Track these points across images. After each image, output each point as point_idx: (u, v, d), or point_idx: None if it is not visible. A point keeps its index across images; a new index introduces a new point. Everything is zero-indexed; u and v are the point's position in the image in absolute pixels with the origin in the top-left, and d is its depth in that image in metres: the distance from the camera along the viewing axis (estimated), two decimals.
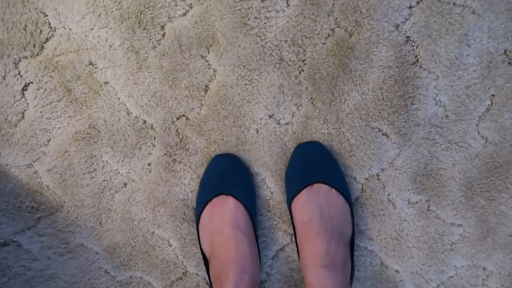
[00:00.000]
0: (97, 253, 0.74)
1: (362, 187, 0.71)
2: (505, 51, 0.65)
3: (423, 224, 0.72)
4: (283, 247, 0.74)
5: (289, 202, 0.68)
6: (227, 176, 0.69)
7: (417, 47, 0.65)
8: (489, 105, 0.67)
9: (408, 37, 0.65)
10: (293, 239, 0.73)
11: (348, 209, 0.68)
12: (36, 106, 0.68)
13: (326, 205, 0.66)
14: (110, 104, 0.68)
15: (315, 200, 0.66)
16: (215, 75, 0.67)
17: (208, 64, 0.67)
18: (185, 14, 0.65)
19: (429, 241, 0.73)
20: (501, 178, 0.70)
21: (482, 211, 0.72)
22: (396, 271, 0.74)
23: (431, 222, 0.72)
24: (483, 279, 0.74)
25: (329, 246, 0.64)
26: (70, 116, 0.68)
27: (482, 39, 0.65)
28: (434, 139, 0.69)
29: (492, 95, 0.67)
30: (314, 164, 0.67)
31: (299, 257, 0.69)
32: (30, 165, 0.70)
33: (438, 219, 0.72)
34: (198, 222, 0.70)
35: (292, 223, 0.69)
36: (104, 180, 0.71)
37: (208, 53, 0.66)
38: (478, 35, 0.65)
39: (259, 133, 0.69)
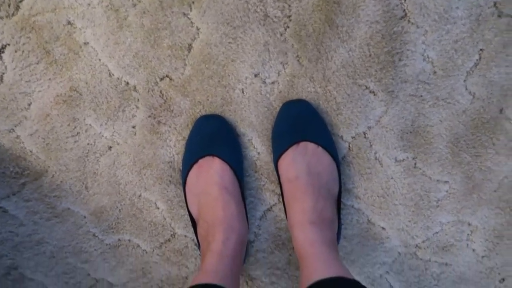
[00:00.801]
0: (84, 217, 0.73)
1: (349, 146, 0.70)
2: (495, 4, 0.63)
3: (410, 182, 0.72)
4: (271, 207, 0.73)
5: (276, 160, 0.67)
6: (213, 137, 0.67)
7: (405, 0, 0.63)
8: (477, 60, 0.66)
9: None
10: (281, 199, 0.72)
11: (335, 167, 0.67)
12: (14, 69, 0.65)
13: (313, 163, 0.65)
14: (91, 65, 0.65)
15: (302, 158, 0.65)
16: (198, 33, 0.64)
17: (191, 22, 0.64)
18: None
19: (415, 198, 0.73)
20: (487, 134, 0.69)
21: (468, 168, 0.71)
22: (383, 228, 0.74)
23: (417, 179, 0.71)
24: (468, 234, 0.75)
25: (316, 203, 0.63)
26: (50, 79, 0.66)
27: None
28: (422, 95, 0.67)
29: (481, 49, 0.65)
30: (300, 123, 0.66)
31: (286, 217, 0.69)
32: (11, 130, 0.67)
33: (424, 176, 0.71)
34: (185, 184, 0.68)
35: (279, 182, 0.68)
36: (88, 144, 0.69)
37: (191, 11, 0.63)
38: None
39: (245, 93, 0.67)
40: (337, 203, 0.68)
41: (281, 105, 0.68)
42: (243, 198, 0.69)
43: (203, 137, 0.68)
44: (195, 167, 0.68)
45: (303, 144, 0.66)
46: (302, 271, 0.60)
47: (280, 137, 0.67)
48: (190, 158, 0.68)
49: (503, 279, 0.78)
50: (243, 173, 0.71)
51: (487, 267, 0.77)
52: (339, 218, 0.69)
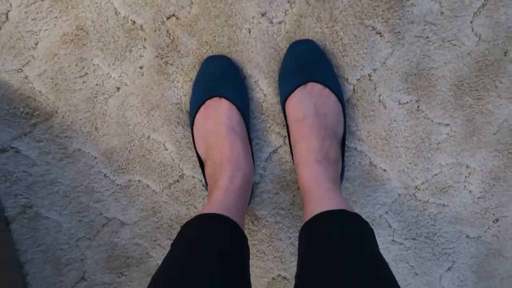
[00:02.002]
0: (95, 157, 0.71)
1: (354, 88, 0.67)
2: None
3: (412, 124, 0.70)
4: (276, 149, 0.71)
5: (283, 101, 0.64)
6: (220, 78, 0.65)
7: None
8: (485, 0, 0.62)
9: None
10: (286, 141, 0.71)
11: (341, 108, 0.65)
12: (19, 6, 0.61)
13: (320, 104, 0.63)
14: (96, 3, 0.62)
15: (309, 98, 0.63)
16: None
17: None
18: None
19: (417, 141, 0.71)
20: (490, 77, 0.67)
21: (470, 110, 0.69)
22: (384, 170, 0.73)
23: (419, 122, 0.70)
24: (466, 176, 0.74)
25: (322, 143, 0.62)
26: (56, 17, 0.62)
27: None
28: (428, 37, 0.64)
29: None
30: (308, 63, 0.63)
31: (292, 157, 0.67)
32: (20, 70, 0.65)
33: (426, 119, 0.70)
34: (193, 125, 0.66)
35: (286, 122, 0.66)
36: (96, 84, 0.67)
37: None
38: None
39: (252, 33, 0.64)
40: (342, 145, 0.67)
41: (287, 46, 0.65)
42: (249, 140, 0.68)
43: (210, 78, 0.65)
44: (202, 108, 0.66)
45: (310, 84, 0.63)
46: (307, 206, 0.59)
47: (287, 78, 0.64)
48: (198, 99, 0.66)
49: (497, 220, 0.78)
50: (249, 115, 0.69)
51: (482, 208, 0.77)
52: (342, 159, 0.68)
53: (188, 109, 0.69)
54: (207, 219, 0.55)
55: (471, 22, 0.63)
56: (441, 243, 0.79)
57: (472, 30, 0.64)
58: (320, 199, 0.57)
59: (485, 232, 0.78)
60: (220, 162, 0.64)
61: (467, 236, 0.79)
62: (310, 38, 0.64)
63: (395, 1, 0.62)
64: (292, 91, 0.63)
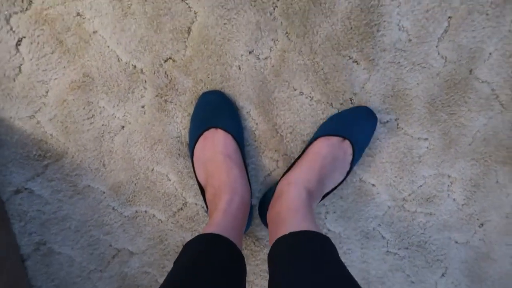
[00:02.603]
0: (104, 192, 0.76)
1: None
2: None
3: (394, 141, 0.75)
4: (270, 173, 0.76)
5: (320, 135, 0.71)
6: (215, 110, 0.70)
7: None
8: (446, 26, 0.69)
9: None
10: (279, 165, 0.75)
11: (346, 172, 0.71)
12: (31, 59, 0.67)
13: (340, 159, 0.70)
14: (100, 52, 0.68)
15: (338, 149, 0.70)
16: (196, 17, 0.67)
17: (189, 6, 0.66)
18: None
19: (400, 156, 0.76)
20: (460, 93, 0.73)
21: (445, 125, 0.75)
22: (373, 185, 0.78)
23: (400, 138, 0.75)
24: (448, 185, 0.79)
25: (320, 183, 0.68)
26: (64, 67, 0.68)
27: None
28: (399, 62, 0.71)
29: (449, 17, 0.68)
30: (358, 125, 0.71)
31: (283, 175, 0.72)
32: (32, 116, 0.70)
33: (406, 135, 0.75)
34: (193, 155, 0.71)
35: (305, 148, 0.72)
36: (103, 125, 0.72)
37: None
38: None
39: (241, 69, 0.70)
40: (324, 195, 0.72)
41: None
42: (245, 165, 0.72)
43: (207, 111, 0.71)
44: (201, 139, 0.71)
45: (347, 142, 0.70)
46: (285, 221, 0.62)
47: (337, 123, 0.71)
48: (196, 131, 0.71)
49: (482, 224, 0.82)
50: (244, 143, 0.74)
51: (467, 214, 0.81)
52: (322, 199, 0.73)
53: (188, 141, 0.74)
54: (207, 238, 0.59)
55: (436, 46, 0.70)
56: (432, 251, 0.82)
57: (439, 53, 0.70)
58: (302, 219, 0.61)
59: (472, 237, 0.82)
60: (218, 187, 0.68)
61: (456, 242, 0.82)
62: (294, 70, 0.70)
63: (367, 33, 0.68)
64: (332, 135, 0.69)
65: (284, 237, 0.56)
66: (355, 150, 0.70)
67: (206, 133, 0.70)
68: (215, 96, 0.71)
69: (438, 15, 0.68)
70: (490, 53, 0.71)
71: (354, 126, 0.70)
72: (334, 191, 0.77)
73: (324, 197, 0.71)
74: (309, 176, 0.67)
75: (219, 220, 0.63)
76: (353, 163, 0.70)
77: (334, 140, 0.69)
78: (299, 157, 0.72)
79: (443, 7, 0.68)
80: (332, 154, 0.69)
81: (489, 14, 0.68)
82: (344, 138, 0.69)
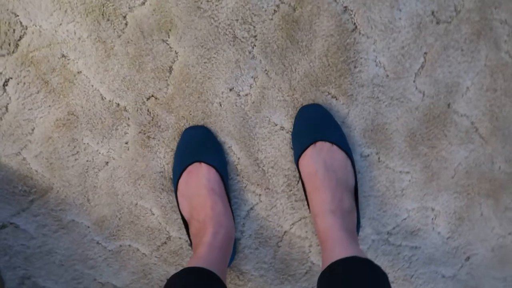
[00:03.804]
0: (88, 227, 0.75)
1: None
2: (433, 12, 0.67)
3: (375, 174, 0.74)
4: (253, 207, 0.75)
5: (297, 159, 0.70)
6: (199, 145, 0.70)
7: (354, 15, 0.67)
8: (423, 62, 0.69)
9: (345, 7, 0.66)
10: (262, 199, 0.75)
11: (349, 163, 0.70)
12: (17, 99, 0.68)
13: (329, 159, 0.68)
14: (84, 91, 0.69)
15: (319, 155, 0.68)
16: (177, 56, 0.68)
17: (170, 47, 0.67)
18: (143, 3, 0.65)
19: (382, 189, 0.75)
20: (439, 127, 0.72)
21: (426, 158, 0.74)
22: None
23: (382, 172, 0.74)
24: (432, 218, 0.77)
25: (335, 193, 0.66)
26: (49, 106, 0.69)
27: (411, 2, 0.66)
28: (378, 97, 0.70)
29: (425, 53, 0.69)
30: (316, 124, 0.69)
31: (309, 208, 0.71)
32: (18, 153, 0.71)
33: (388, 168, 0.74)
34: (176, 189, 0.71)
35: (300, 178, 0.71)
36: (87, 161, 0.72)
37: (169, 37, 0.67)
38: (407, 0, 0.66)
39: (222, 105, 0.71)
40: (355, 196, 0.71)
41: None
42: (229, 199, 0.72)
43: (190, 146, 0.71)
44: (184, 173, 0.70)
45: (319, 143, 0.69)
46: (323, 254, 0.63)
47: (299, 138, 0.70)
48: (180, 166, 0.71)
49: (468, 258, 0.80)
50: (227, 176, 0.74)
51: (452, 247, 0.79)
52: (357, 209, 0.71)
53: (171, 176, 0.73)
54: (191, 272, 0.58)
55: (414, 81, 0.70)
56: (419, 285, 0.80)
57: (416, 88, 0.70)
58: (335, 247, 0.60)
59: (459, 271, 0.80)
60: (203, 220, 0.68)
61: (443, 276, 0.80)
62: (274, 106, 0.70)
63: (344, 69, 0.69)
64: (304, 150, 0.69)
65: (321, 275, 0.57)
66: (331, 139, 0.68)
67: (190, 168, 0.70)
68: (199, 131, 0.71)
69: (414, 51, 0.68)
70: (468, 87, 0.70)
71: (310, 126, 0.69)
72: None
73: (356, 196, 0.70)
74: (321, 198, 0.66)
75: (204, 254, 0.63)
76: (343, 146, 0.69)
77: (309, 152, 0.69)
78: (304, 188, 0.71)
79: (418, 43, 0.68)
80: (319, 164, 0.68)
81: (464, 50, 0.68)
82: (313, 142, 0.68)
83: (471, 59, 0.69)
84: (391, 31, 0.67)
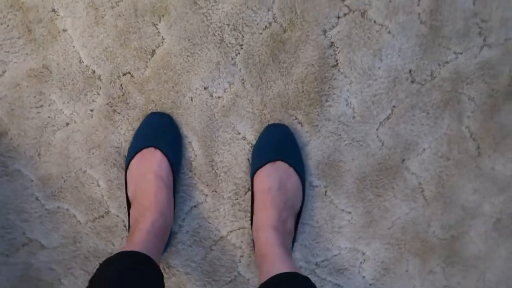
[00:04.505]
0: (32, 180, 0.75)
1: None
2: (410, 71, 0.70)
3: (318, 206, 0.76)
4: (197, 205, 0.76)
5: (254, 172, 0.71)
6: (159, 132, 0.71)
7: (338, 52, 0.69)
8: (389, 114, 0.72)
9: (332, 42, 0.69)
10: (207, 199, 0.76)
11: (301, 188, 0.72)
12: None
13: (284, 180, 0.70)
14: (65, 50, 0.69)
15: (276, 174, 0.70)
16: (162, 42, 0.69)
17: (158, 31, 0.69)
18: None
19: (321, 221, 0.77)
20: (389, 178, 0.75)
21: (369, 204, 0.76)
22: None
23: (325, 205, 0.76)
24: (361, 262, 0.79)
25: (281, 213, 0.69)
26: (27, 54, 0.69)
27: (392, 56, 0.69)
28: (340, 134, 0.73)
29: (394, 106, 0.71)
30: (280, 144, 0.71)
31: (251, 223, 0.73)
32: None
33: (332, 204, 0.76)
34: (127, 168, 0.72)
35: (252, 190, 0.72)
36: (48, 117, 0.72)
37: (160, 22, 0.68)
38: (389, 53, 0.69)
39: (193, 101, 0.72)
40: (297, 218, 0.73)
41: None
42: (175, 191, 0.73)
43: (151, 130, 0.71)
44: (138, 154, 0.71)
45: (278, 162, 0.71)
46: (262, 267, 0.64)
47: (260, 153, 0.72)
48: (136, 146, 0.72)
49: None
50: (179, 169, 0.75)
51: None
52: (295, 231, 0.73)
53: (126, 154, 0.74)
54: (129, 256, 0.58)
55: (377, 129, 0.73)
56: None
57: (377, 136, 0.73)
58: (275, 262, 0.62)
59: None
60: (145, 205, 0.68)
61: None
62: (242, 115, 0.72)
63: (316, 100, 0.71)
64: (263, 165, 0.70)
65: (262, 285, 0.57)
66: (290, 162, 0.70)
67: (145, 151, 0.71)
68: (163, 118, 0.72)
69: (384, 102, 0.71)
70: (424, 149, 0.73)
71: (274, 145, 0.71)
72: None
73: (298, 217, 0.72)
74: (268, 215, 0.68)
75: (142, 240, 0.63)
76: (300, 171, 0.71)
77: (267, 168, 0.70)
78: (252, 200, 0.73)
79: (390, 96, 0.71)
80: (274, 182, 0.69)
81: (429, 114, 0.72)
82: (273, 161, 0.70)
83: (434, 124, 0.72)
84: (368, 77, 0.70)
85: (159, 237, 0.66)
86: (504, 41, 0.67)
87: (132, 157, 0.71)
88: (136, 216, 0.69)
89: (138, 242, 0.62)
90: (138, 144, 0.72)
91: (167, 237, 0.71)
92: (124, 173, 0.73)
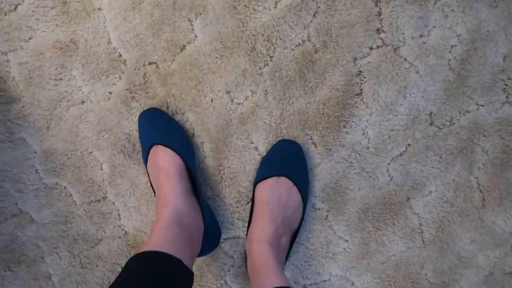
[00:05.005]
0: (35, 151, 0.73)
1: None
2: (431, 113, 0.71)
3: (317, 229, 0.76)
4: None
5: (256, 182, 0.71)
6: (169, 130, 0.70)
7: (364, 82, 0.70)
8: (403, 151, 0.73)
9: (360, 71, 0.69)
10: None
11: (301, 207, 0.72)
12: (30, 4, 0.68)
13: (285, 196, 0.70)
14: (96, 28, 0.69)
15: (278, 188, 0.70)
16: (195, 39, 0.69)
17: (192, 28, 0.69)
18: None
19: (317, 245, 0.77)
20: (391, 214, 0.75)
21: (368, 236, 0.76)
22: None
23: (324, 229, 0.76)
24: None
25: (277, 228, 0.68)
26: (57, 25, 0.69)
27: (416, 96, 0.70)
28: (351, 162, 0.73)
29: (409, 144, 0.72)
30: (289, 161, 0.71)
31: (247, 231, 0.72)
32: (5, 53, 0.69)
33: (330, 229, 0.76)
34: (146, 158, 0.70)
35: (252, 201, 0.72)
36: (65, 91, 0.71)
37: (196, 19, 0.68)
38: (414, 92, 0.70)
39: (213, 102, 0.72)
40: (293, 237, 0.72)
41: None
42: (195, 188, 0.70)
43: (164, 125, 0.71)
44: (154, 148, 0.69)
45: (283, 178, 0.70)
46: (254, 281, 0.63)
47: (267, 165, 0.72)
48: (151, 140, 0.70)
49: None
50: (195, 168, 0.73)
51: None
52: (289, 250, 0.72)
53: (135, 143, 0.73)
54: (147, 256, 0.55)
55: (388, 164, 0.73)
56: None
57: (387, 171, 0.73)
58: (268, 276, 0.61)
59: None
60: (157, 200, 0.67)
61: None
62: (259, 126, 0.72)
63: (334, 124, 0.71)
64: (267, 177, 0.70)
65: None
66: (295, 180, 0.70)
67: (157, 148, 0.69)
68: (160, 115, 0.71)
69: (400, 138, 0.72)
70: (430, 192, 0.74)
71: (283, 160, 0.71)
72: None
73: (295, 237, 0.71)
74: (264, 228, 0.68)
75: (154, 235, 0.60)
76: (303, 191, 0.71)
77: (270, 181, 0.70)
78: (251, 210, 0.72)
79: (407, 133, 0.72)
80: (274, 196, 0.69)
81: (442, 158, 0.72)
82: (278, 175, 0.70)
83: (444, 169, 0.73)
84: (389, 111, 0.71)
85: (170, 229, 0.62)
86: None
87: (148, 154, 0.70)
88: (159, 205, 0.67)
89: (152, 237, 0.60)
90: (158, 137, 0.69)
91: (190, 229, 0.65)
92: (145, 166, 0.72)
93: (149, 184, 0.75)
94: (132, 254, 0.67)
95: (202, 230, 0.68)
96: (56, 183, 0.75)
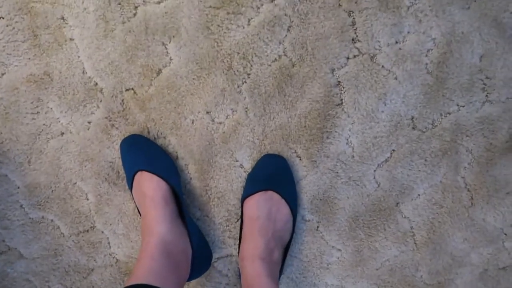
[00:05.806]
0: (18, 187, 0.73)
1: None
2: (412, 118, 0.71)
3: (309, 240, 0.77)
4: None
5: (244, 198, 0.71)
6: (144, 153, 0.70)
7: (344, 92, 0.70)
8: (388, 157, 0.73)
9: (339, 81, 0.70)
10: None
11: (291, 220, 0.72)
12: (0, 39, 0.67)
13: (274, 210, 0.70)
14: (69, 59, 0.68)
15: (266, 203, 0.70)
16: (170, 63, 0.69)
17: (167, 51, 0.68)
18: (159, 2, 0.66)
19: (310, 256, 0.77)
20: (382, 220, 0.76)
21: (360, 243, 0.77)
22: None
23: (316, 240, 0.77)
24: None
25: (268, 243, 0.68)
26: (29, 58, 0.68)
27: (397, 102, 0.70)
28: (337, 172, 0.73)
29: (393, 150, 0.73)
30: (275, 175, 0.71)
31: (238, 250, 0.72)
32: None
33: (322, 239, 0.76)
34: (131, 185, 0.70)
35: (241, 217, 0.72)
36: (44, 124, 0.71)
37: (169, 43, 0.68)
38: (394, 98, 0.70)
39: (194, 124, 0.71)
40: (285, 250, 0.73)
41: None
42: (182, 213, 0.70)
43: (138, 152, 0.70)
44: (139, 174, 0.69)
45: (270, 193, 0.71)
46: None
47: (253, 181, 0.72)
48: (134, 167, 0.70)
49: None
50: (181, 191, 0.73)
51: None
52: (283, 263, 0.72)
53: (119, 170, 0.73)
54: None
55: (374, 170, 0.73)
56: None
57: (374, 178, 0.74)
58: None
59: None
60: (147, 223, 0.67)
61: None
62: (242, 144, 0.72)
63: (317, 136, 0.72)
64: (254, 193, 0.70)
65: None
66: (282, 194, 0.70)
67: (141, 175, 0.69)
68: (142, 140, 0.71)
69: (384, 145, 0.72)
70: (419, 195, 0.75)
71: (269, 175, 0.71)
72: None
73: (287, 250, 0.72)
74: (254, 244, 0.68)
75: (139, 267, 0.61)
76: (291, 203, 0.71)
77: (257, 196, 0.70)
78: (241, 227, 0.72)
79: (390, 139, 0.72)
80: (263, 211, 0.69)
81: (427, 161, 0.73)
82: (265, 190, 0.70)
83: (430, 172, 0.73)
84: (371, 119, 0.71)
85: (155, 260, 0.62)
86: (506, 99, 0.69)
87: (133, 177, 0.69)
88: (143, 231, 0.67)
89: (136, 269, 0.60)
90: (142, 163, 0.69)
91: (177, 257, 0.66)
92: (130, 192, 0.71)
93: (136, 210, 0.75)
94: (125, 281, 0.67)
95: (190, 254, 0.68)
96: (42, 217, 0.75)
